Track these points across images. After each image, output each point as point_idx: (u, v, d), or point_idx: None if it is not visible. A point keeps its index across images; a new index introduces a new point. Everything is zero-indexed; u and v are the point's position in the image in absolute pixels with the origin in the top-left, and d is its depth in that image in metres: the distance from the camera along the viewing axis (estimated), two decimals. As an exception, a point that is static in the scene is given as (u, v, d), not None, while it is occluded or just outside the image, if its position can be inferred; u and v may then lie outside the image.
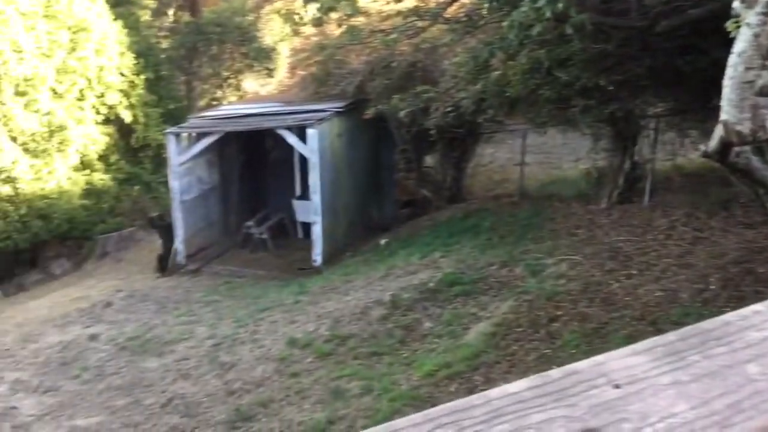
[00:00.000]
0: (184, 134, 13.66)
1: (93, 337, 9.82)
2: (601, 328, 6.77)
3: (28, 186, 18.70)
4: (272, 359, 7.64)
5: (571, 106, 9.17)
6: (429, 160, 16.07)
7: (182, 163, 13.36)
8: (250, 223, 14.36)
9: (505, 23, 6.99)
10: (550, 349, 6.48)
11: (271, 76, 24.74)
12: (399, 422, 0.52)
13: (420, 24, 10.42)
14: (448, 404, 0.54)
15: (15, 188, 18.66)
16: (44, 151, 19.34)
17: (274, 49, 24.39)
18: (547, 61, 7.91)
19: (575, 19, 6.35)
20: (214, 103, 25.25)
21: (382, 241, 12.96)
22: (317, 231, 12.51)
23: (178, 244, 13.57)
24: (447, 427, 0.51)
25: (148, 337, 9.52)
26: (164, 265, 13.99)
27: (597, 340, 6.50)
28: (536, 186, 13.96)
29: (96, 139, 20.39)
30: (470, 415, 0.52)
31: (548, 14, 6.10)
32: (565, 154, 16.59)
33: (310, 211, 12.74)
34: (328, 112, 12.94)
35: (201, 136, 13.54)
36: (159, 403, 7.33)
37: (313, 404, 6.28)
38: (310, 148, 12.21)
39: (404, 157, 16.04)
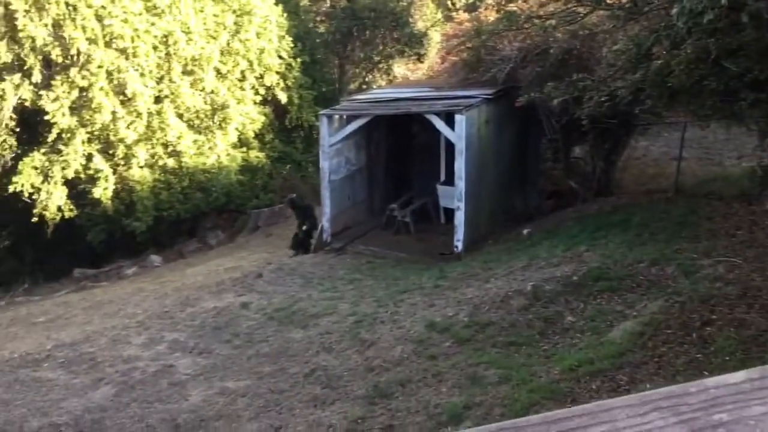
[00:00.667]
0: (336, 116, 14.05)
1: (244, 306, 10.39)
2: (760, 335, 6.35)
3: (190, 160, 19.94)
4: (411, 340, 7.76)
5: (739, 100, 8.58)
6: (578, 150, 15.61)
7: (332, 144, 13.76)
8: (393, 205, 14.59)
9: (674, 10, 6.64)
10: (701, 354, 6.15)
11: (421, 61, 24.89)
12: (613, 401, 0.53)
13: (580, 10, 10.12)
14: (664, 389, 0.54)
15: (179, 162, 19.97)
16: (207, 128, 20.54)
17: (425, 35, 24.51)
18: (715, 51, 7.44)
19: (752, 7, 5.94)
20: (364, 87, 25.80)
21: (525, 231, 12.77)
22: (460, 217, 12.52)
23: (325, 222, 14.03)
24: (664, 410, 0.51)
25: (294, 309, 9.94)
26: (297, 244, 14.38)
27: (755, 349, 6.10)
28: (693, 182, 13.23)
29: (254, 118, 21.39)
30: (686, 402, 0.52)
31: (723, 1, 5.75)
32: (727, 150, 15.60)
33: (454, 196, 12.75)
34: (477, 99, 12.87)
35: (351, 118, 13.88)
36: (302, 372, 7.65)
37: (449, 388, 6.33)
38: (458, 133, 12.21)
39: (552, 146, 15.68)
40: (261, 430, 6.34)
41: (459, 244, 12.54)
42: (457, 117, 12.15)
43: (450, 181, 13.54)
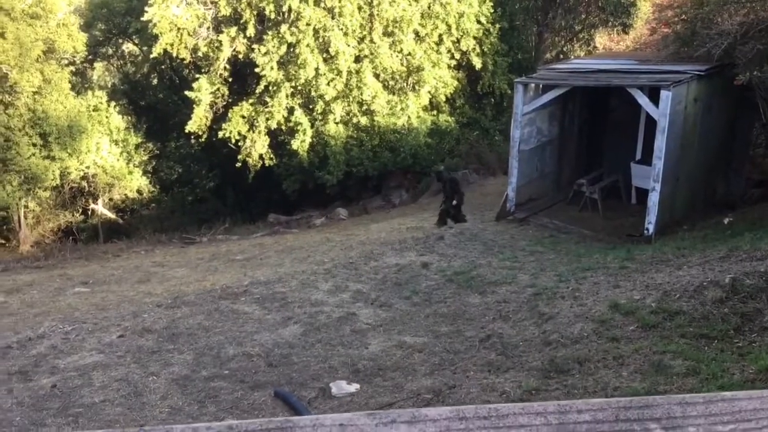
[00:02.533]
0: (532, 85, 13.79)
1: (425, 265, 10.63)
2: None
3: (383, 120, 20.48)
4: (592, 319, 7.58)
5: None
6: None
7: (525, 114, 13.56)
8: (582, 180, 14.17)
9: None
10: None
11: (626, 32, 23.68)
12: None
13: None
14: None
15: (372, 120, 20.59)
16: (401, 89, 20.95)
17: (633, 4, 23.23)
18: None
19: None
20: (561, 56, 25.04)
21: (726, 220, 11.93)
22: (654, 199, 11.91)
23: (510, 192, 13.92)
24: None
25: (473, 275, 10.02)
26: (443, 218, 14.10)
27: None
28: None
29: (447, 82, 21.50)
30: None
31: None
32: None
33: (649, 176, 12.14)
34: (687, 75, 12.08)
35: (547, 88, 13.57)
36: (478, 337, 7.74)
37: (631, 372, 6.14)
38: (662, 110, 11.55)
39: (765, 132, 14.44)
40: (435, 386, 6.52)
41: (650, 227, 11.97)
42: (663, 93, 11.48)
43: (646, 160, 12.90)
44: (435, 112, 21.85)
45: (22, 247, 20.29)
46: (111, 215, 23.18)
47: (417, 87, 20.98)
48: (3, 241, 21.53)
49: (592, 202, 13.87)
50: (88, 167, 20.62)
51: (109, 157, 21.19)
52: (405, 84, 21.04)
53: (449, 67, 21.69)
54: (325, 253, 12.71)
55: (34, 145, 19.00)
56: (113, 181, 21.55)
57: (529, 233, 12.90)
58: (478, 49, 21.55)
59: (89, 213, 23.12)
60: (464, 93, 22.87)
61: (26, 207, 20.67)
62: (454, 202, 14.09)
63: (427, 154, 21.16)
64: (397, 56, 20.50)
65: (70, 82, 20.72)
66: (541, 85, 13.79)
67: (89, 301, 11.15)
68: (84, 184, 21.74)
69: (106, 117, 21.39)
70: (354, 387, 6.68)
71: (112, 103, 21.86)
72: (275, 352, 7.76)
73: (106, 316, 9.43)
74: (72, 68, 21.90)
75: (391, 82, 20.98)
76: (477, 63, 21.49)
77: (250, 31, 19.41)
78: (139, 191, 22.87)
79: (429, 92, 21.23)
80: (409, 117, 20.84)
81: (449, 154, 21.79)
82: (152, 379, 7.23)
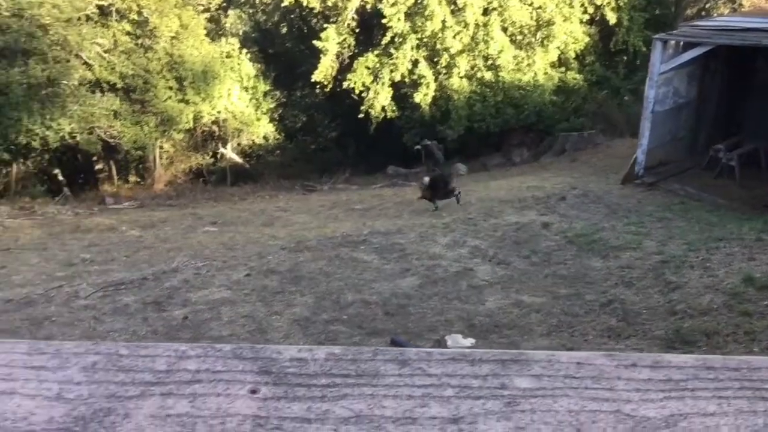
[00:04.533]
0: (672, 42, 13.04)
1: (545, 226, 10.44)
2: None
3: (507, 75, 20.04)
4: (723, 291, 7.24)
5: None
6: None
7: (663, 73, 12.87)
8: (719, 146, 13.38)
9: None
10: None
11: (779, -12, 21.88)
12: None
13: None
14: None
15: (496, 75, 20.20)
16: (528, 44, 20.38)
17: (791, -43, 21.39)
18: None
19: None
20: (703, 14, 23.51)
21: None
22: (799, 169, 11.11)
23: (640, 155, 13.34)
24: None
25: (595, 238, 9.76)
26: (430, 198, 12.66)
27: None
28: None
29: (577, 38, 20.71)
30: None
31: None
32: None
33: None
34: None
35: (688, 46, 12.79)
36: (599, 302, 7.56)
37: (763, 350, 5.84)
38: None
39: None
40: (552, 347, 6.44)
41: (792, 199, 11.20)
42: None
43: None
44: (563, 69, 21.14)
45: (156, 186, 21.49)
46: (238, 159, 24.09)
47: (546, 42, 20.32)
48: (139, 179, 22.87)
49: (728, 169, 13.10)
50: (219, 112, 21.42)
51: (239, 103, 21.91)
52: (533, 39, 20.43)
53: (581, 21, 20.82)
54: (443, 208, 12.71)
55: (171, 88, 19.90)
56: (242, 127, 22.31)
57: (658, 198, 12.37)
58: (613, 3, 20.54)
59: (218, 156, 24.11)
60: (595, 50, 21.95)
61: (161, 147, 21.81)
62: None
63: (552, 112, 20.58)
64: (527, 9, 19.89)
65: (205, 28, 21.47)
66: (681, 43, 13.02)
67: (218, 240, 11.71)
68: (215, 128, 22.64)
69: (238, 64, 22.06)
70: (469, 341, 6.71)
71: (244, 51, 22.49)
72: (392, 302, 7.89)
73: (234, 255, 9.89)
74: (207, 15, 22.64)
75: (519, 37, 20.43)
76: (612, 18, 20.50)
77: (379, -19, 19.38)
78: (265, 137, 23.59)
79: (558, 48, 20.52)
80: (535, 73, 20.27)
81: (575, 113, 21.11)
82: (275, 318, 7.54)
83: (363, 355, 0.63)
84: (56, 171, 22.05)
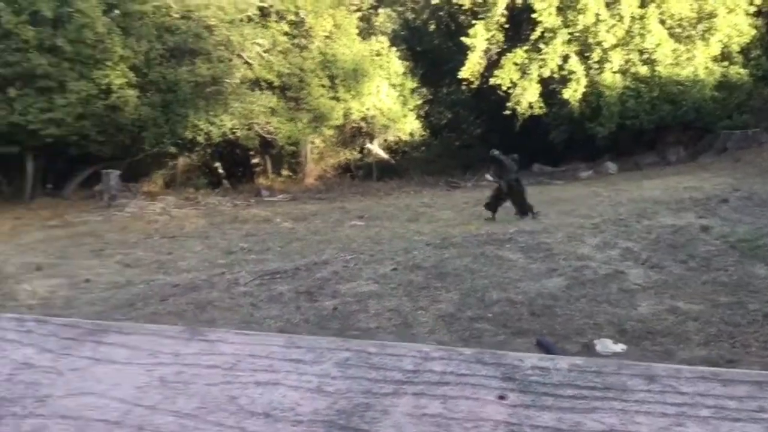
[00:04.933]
0: None
1: (704, 229, 9.91)
2: None
3: (664, 70, 19.16)
4: None
5: None
6: None
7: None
8: None
9: None
10: None
11: None
12: None
13: None
14: None
15: (652, 70, 19.35)
16: (688, 37, 19.38)
17: None
18: None
19: None
20: None
21: None
22: None
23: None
24: None
25: (760, 243, 9.14)
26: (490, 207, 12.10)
27: None
28: None
29: (742, 30, 19.44)
30: None
31: None
32: None
33: None
34: None
35: None
36: (762, 311, 7.09)
37: None
38: None
39: None
40: (711, 357, 6.13)
41: None
42: None
43: None
44: (726, 64, 19.89)
45: (307, 180, 22.38)
46: (384, 155, 24.57)
47: (707, 35, 19.21)
48: (291, 173, 23.88)
49: None
50: (368, 109, 21.96)
51: (387, 100, 22.34)
52: (693, 32, 19.37)
53: (747, 13, 19.50)
54: (592, 208, 12.37)
55: (323, 86, 20.63)
56: (389, 123, 22.75)
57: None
58: (785, -7, 19.10)
59: (365, 152, 24.72)
60: (762, 43, 20.48)
61: (312, 143, 22.67)
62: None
63: (712, 109, 19.44)
64: (687, 1, 18.88)
65: (356, 27, 22.07)
66: None
67: (364, 233, 12.04)
68: (363, 124, 23.23)
69: (387, 62, 22.50)
70: (620, 347, 6.51)
71: (393, 49, 22.90)
72: (538, 302, 7.79)
73: (380, 249, 10.13)
74: (359, 14, 23.24)
75: (678, 30, 19.44)
76: (785, 9, 19.05)
77: (535, -25, 19.07)
78: (411, 134, 23.91)
79: (721, 41, 19.34)
80: (695, 68, 19.22)
81: (738, 110, 19.81)
82: (421, 312, 7.66)
83: (607, 367, 0.67)
84: (217, 164, 23.49)
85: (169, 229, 14.15)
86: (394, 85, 22.90)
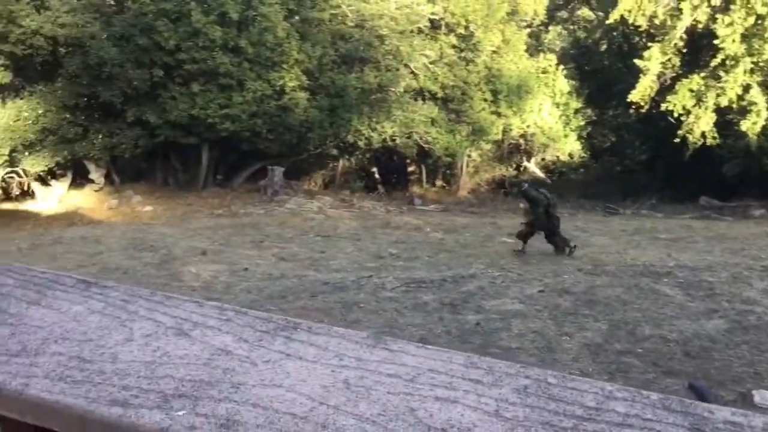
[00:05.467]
0: None
1: None
2: None
3: None
4: None
5: None
6: None
7: None
8: None
9: None
10: None
11: None
12: None
13: None
14: None
15: None
16: None
17: None
18: None
19: None
20: None
21: None
22: None
23: None
24: None
25: None
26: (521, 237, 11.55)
27: None
28: None
29: None
30: None
31: None
32: None
33: None
34: None
35: None
36: None
37: None
38: None
39: None
40: None
41: None
42: None
43: None
44: None
45: (460, 192, 22.46)
46: (540, 174, 24.19)
47: None
48: (445, 185, 24.07)
49: None
50: (528, 126, 21.73)
51: (549, 118, 22.00)
52: None
53: None
54: (763, 249, 11.54)
55: (485, 100, 20.65)
56: (548, 142, 22.38)
57: None
58: None
59: (521, 169, 24.44)
60: None
61: (469, 156, 22.73)
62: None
63: None
64: None
65: (525, 43, 21.91)
66: None
67: (512, 248, 11.90)
68: (521, 141, 23.00)
69: (553, 80, 22.16)
70: (782, 402, 6.04)
71: (560, 67, 22.53)
72: (694, 343, 7.38)
73: (529, 269, 9.99)
74: (528, 30, 23.06)
75: None
76: None
77: (716, 0, 18.04)
78: (570, 155, 23.39)
79: None
80: None
81: None
82: (565, 338, 7.48)
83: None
84: (374, 169, 24.13)
85: (324, 228, 14.71)
86: (557, 104, 22.50)
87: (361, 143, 20.35)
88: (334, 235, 13.79)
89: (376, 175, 24.21)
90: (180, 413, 0.61)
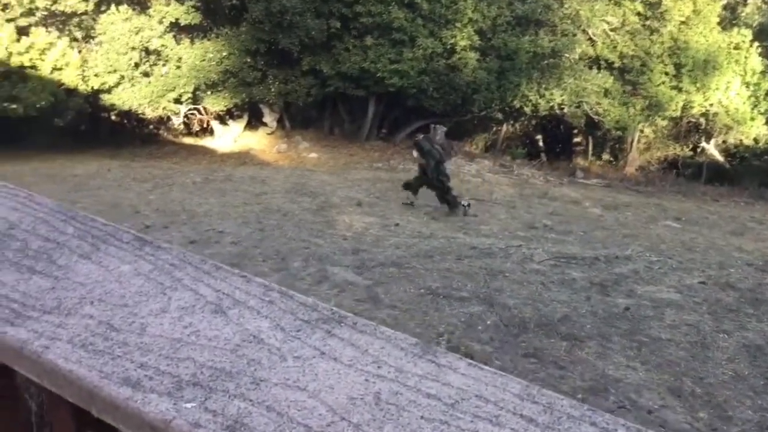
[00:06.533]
0: None
1: None
2: None
3: None
4: None
5: None
6: None
7: None
8: None
9: None
10: None
11: None
12: None
13: None
14: None
15: None
16: None
17: None
18: None
19: None
20: None
21: None
22: None
23: None
24: None
25: None
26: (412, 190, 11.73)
27: None
28: None
29: None
30: None
31: None
32: None
33: None
34: None
35: None
36: None
37: None
38: None
39: None
40: None
41: None
42: None
43: None
44: None
45: (627, 169, 21.41)
46: (719, 157, 22.51)
47: None
48: (611, 159, 23.05)
49: None
50: (711, 105, 20.20)
51: (736, 98, 20.30)
52: None
53: None
54: None
55: (666, 74, 19.38)
56: (732, 124, 20.69)
57: None
58: None
59: (697, 150, 22.87)
60: None
61: (641, 132, 21.55)
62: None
63: None
64: None
65: (718, 15, 20.24)
66: None
67: (677, 237, 11.25)
68: (702, 120, 21.47)
69: (745, 57, 20.34)
70: None
71: (755, 44, 20.62)
72: None
73: (692, 258, 9.41)
74: (723, 2, 21.27)
75: None
76: None
77: None
78: (755, 139, 21.52)
79: None
80: None
81: None
82: (722, 336, 7.01)
83: None
84: (538, 137, 23.52)
85: (479, 191, 14.60)
86: (747, 84, 20.67)
87: (527, 109, 19.85)
88: (489, 200, 13.65)
89: (540, 143, 23.60)
90: (188, 405, 0.57)
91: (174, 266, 0.72)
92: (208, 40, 18.86)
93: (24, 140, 17.86)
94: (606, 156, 23.27)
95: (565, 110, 19.70)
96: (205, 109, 20.42)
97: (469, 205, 11.62)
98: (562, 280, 8.18)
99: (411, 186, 11.89)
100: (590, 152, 22.86)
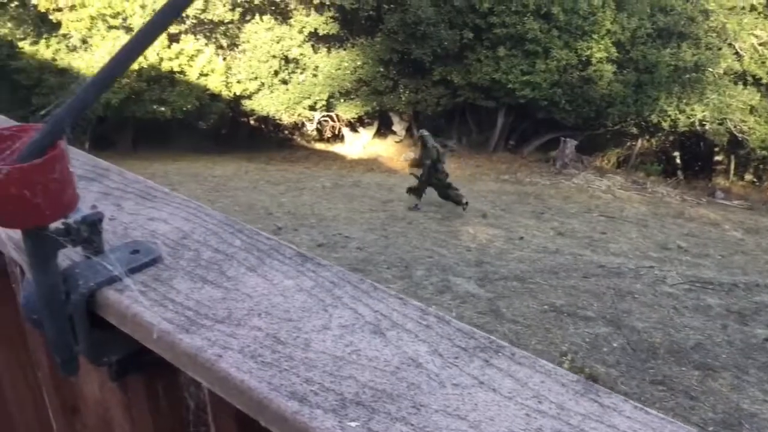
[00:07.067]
0: None
1: None
2: None
3: None
4: None
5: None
6: None
7: None
8: None
9: None
10: None
11: None
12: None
13: None
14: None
15: None
16: None
17: None
18: None
19: None
20: None
21: None
22: None
23: None
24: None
25: None
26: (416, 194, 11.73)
27: None
28: None
29: None
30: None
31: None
32: None
33: None
34: None
35: None
36: None
37: None
38: None
39: None
40: None
41: None
42: None
43: None
44: None
45: (773, 190, 20.09)
46: None
47: None
48: (755, 180, 21.66)
49: None
50: None
51: None
52: None
53: None
54: None
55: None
56: None
57: None
58: None
59: None
60: None
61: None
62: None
63: None
64: None
65: None
66: None
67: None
68: None
69: None
70: None
71: None
72: None
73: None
74: None
75: None
76: None
77: None
78: None
79: None
80: None
81: None
82: None
83: None
84: (675, 154, 22.47)
85: (610, 208, 14.15)
86: None
87: (665, 124, 19.03)
88: (619, 218, 13.21)
89: (677, 160, 22.53)
90: (352, 424, 0.57)
91: (334, 284, 0.74)
92: (344, 49, 19.37)
93: (170, 141, 19.04)
94: (749, 176, 21.89)
95: (707, 127, 18.74)
96: (337, 116, 20.99)
97: (467, 203, 11.66)
98: (697, 306, 7.81)
99: (415, 190, 11.88)
100: (732, 172, 21.60)
